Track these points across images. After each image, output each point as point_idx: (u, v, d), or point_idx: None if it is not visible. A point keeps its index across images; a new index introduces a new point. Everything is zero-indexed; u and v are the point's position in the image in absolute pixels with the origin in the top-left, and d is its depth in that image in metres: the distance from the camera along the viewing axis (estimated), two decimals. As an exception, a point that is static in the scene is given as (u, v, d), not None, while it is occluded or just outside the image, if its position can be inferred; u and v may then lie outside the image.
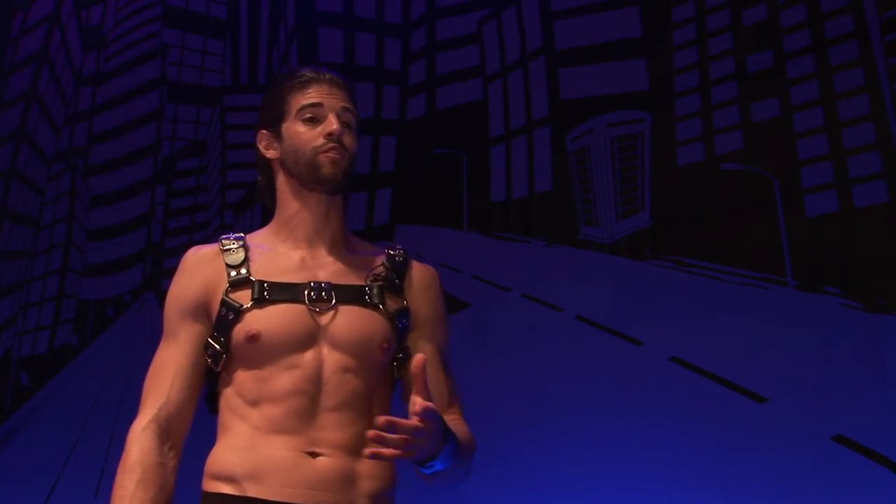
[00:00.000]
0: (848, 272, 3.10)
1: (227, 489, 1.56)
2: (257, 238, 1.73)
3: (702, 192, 3.45)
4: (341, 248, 1.72)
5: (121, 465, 1.57)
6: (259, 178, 1.77)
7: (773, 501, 2.96)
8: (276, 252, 1.69)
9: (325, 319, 1.61)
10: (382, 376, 1.67)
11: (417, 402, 1.42)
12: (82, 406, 4.61)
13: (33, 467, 4.62)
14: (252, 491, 1.54)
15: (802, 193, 3.25)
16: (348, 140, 1.68)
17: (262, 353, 1.59)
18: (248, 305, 1.61)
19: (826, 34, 3.37)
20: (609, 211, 3.64)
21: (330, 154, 1.66)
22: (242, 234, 1.72)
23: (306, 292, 1.62)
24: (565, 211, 3.73)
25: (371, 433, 1.40)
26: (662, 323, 3.34)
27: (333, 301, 1.62)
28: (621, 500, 3.17)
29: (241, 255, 1.67)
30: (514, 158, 3.92)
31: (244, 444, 1.57)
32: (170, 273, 1.73)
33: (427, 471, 1.50)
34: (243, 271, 1.64)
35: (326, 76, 1.71)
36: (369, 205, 4.19)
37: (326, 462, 1.56)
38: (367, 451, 1.41)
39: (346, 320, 1.62)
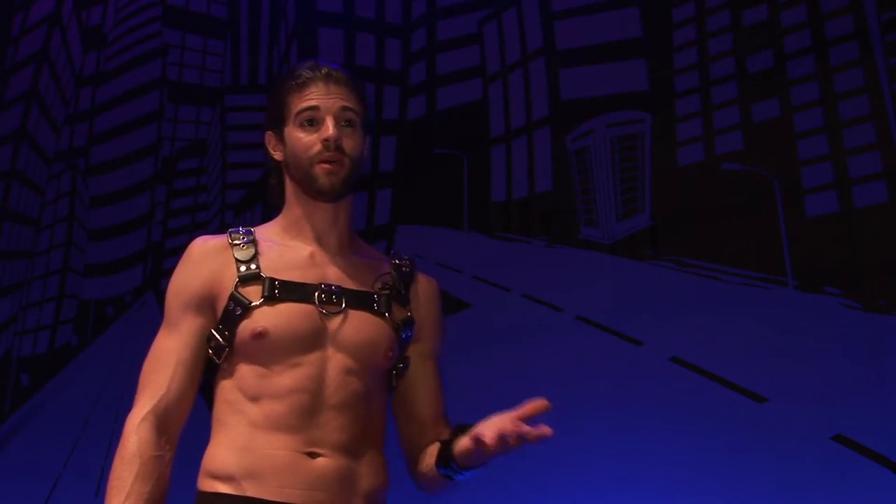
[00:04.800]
0: (848, 272, 3.10)
1: (224, 488, 1.56)
2: (266, 232, 1.73)
3: (702, 193, 3.44)
4: (348, 249, 1.72)
5: (118, 455, 1.55)
6: (270, 179, 1.77)
7: (772, 501, 2.96)
8: (286, 247, 1.69)
9: (333, 322, 1.62)
10: (381, 381, 1.69)
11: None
12: (82, 406, 4.60)
13: (33, 467, 4.61)
14: (251, 491, 1.54)
15: (802, 194, 3.25)
16: (348, 143, 1.66)
17: (267, 349, 1.59)
18: (259, 302, 1.60)
19: (826, 34, 3.37)
20: (609, 211, 3.64)
21: (325, 165, 1.64)
22: (251, 229, 1.72)
23: (317, 294, 1.62)
24: (565, 211, 3.73)
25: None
26: (662, 323, 3.34)
27: (343, 305, 1.63)
28: (621, 500, 3.17)
29: (251, 250, 1.66)
30: (515, 158, 3.91)
31: (243, 443, 1.57)
32: (170, 273, 1.71)
33: (461, 477, 1.57)
34: (254, 267, 1.64)
35: (324, 72, 1.69)
36: (370, 205, 4.18)
37: (325, 463, 1.56)
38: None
39: (354, 325, 1.63)
